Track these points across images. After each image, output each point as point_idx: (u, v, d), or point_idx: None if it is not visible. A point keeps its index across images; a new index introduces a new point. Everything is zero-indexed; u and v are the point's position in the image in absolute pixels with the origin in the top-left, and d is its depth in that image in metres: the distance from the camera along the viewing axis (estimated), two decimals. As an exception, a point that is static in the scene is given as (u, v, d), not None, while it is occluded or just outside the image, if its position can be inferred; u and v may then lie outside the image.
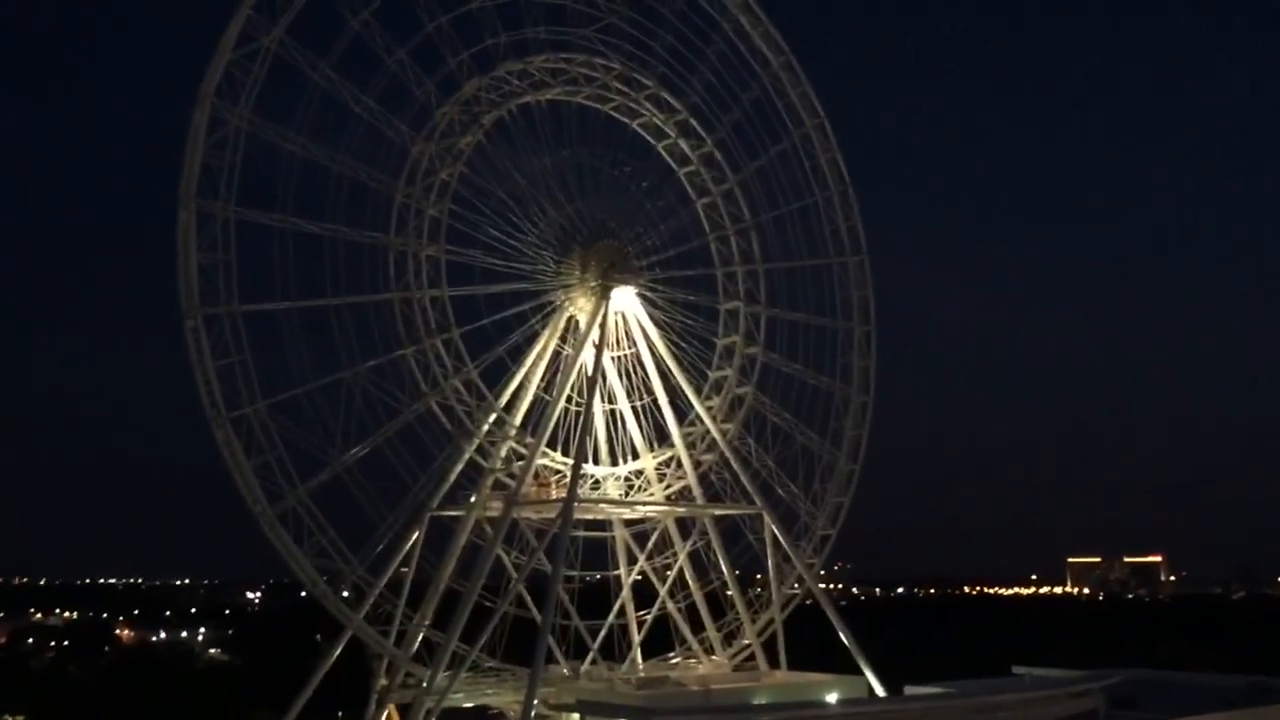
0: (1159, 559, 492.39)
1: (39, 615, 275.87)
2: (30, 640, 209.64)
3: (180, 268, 65.80)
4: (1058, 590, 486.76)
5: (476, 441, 75.38)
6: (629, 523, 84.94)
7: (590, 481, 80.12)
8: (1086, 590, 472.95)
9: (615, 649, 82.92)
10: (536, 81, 77.94)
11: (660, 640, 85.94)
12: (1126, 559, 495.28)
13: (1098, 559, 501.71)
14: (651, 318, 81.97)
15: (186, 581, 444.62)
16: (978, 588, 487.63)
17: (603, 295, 79.69)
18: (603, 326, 79.41)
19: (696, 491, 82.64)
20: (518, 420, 77.54)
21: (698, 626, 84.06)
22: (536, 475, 77.16)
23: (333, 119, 70.54)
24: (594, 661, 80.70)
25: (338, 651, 74.60)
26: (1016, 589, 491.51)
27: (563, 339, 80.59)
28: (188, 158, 65.80)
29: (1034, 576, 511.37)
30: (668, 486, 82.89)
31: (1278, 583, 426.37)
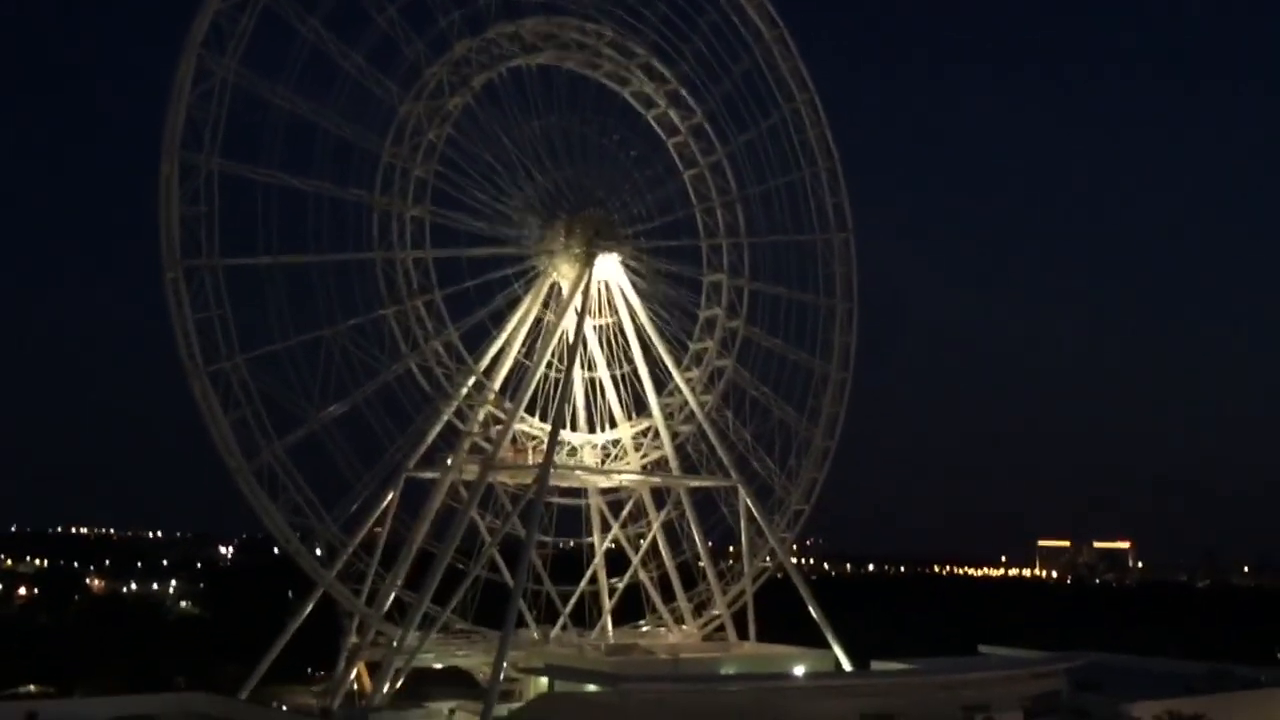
0: (1127, 545, 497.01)
1: (9, 562, 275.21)
2: (0, 587, 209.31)
3: (161, 219, 65.43)
4: (1026, 573, 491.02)
5: (455, 404, 75.43)
6: (604, 491, 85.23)
7: (567, 449, 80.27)
8: (1055, 574, 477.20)
9: (586, 616, 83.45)
10: (527, 45, 77.40)
11: (631, 609, 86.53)
12: (1095, 544, 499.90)
13: (1067, 543, 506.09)
14: (635, 287, 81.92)
15: (159, 534, 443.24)
16: (948, 567, 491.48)
17: (587, 262, 79.54)
18: (585, 294, 79.33)
19: (673, 462, 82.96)
20: (497, 385, 77.56)
21: (669, 596, 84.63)
22: (514, 440, 77.30)
23: (321, 75, 70.11)
24: (564, 627, 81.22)
25: (309, 608, 74.83)
26: (986, 570, 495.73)
27: (545, 305, 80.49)
28: (172, 108, 65.30)
29: (1003, 559, 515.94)
30: (644, 456, 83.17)
31: (1242, 572, 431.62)
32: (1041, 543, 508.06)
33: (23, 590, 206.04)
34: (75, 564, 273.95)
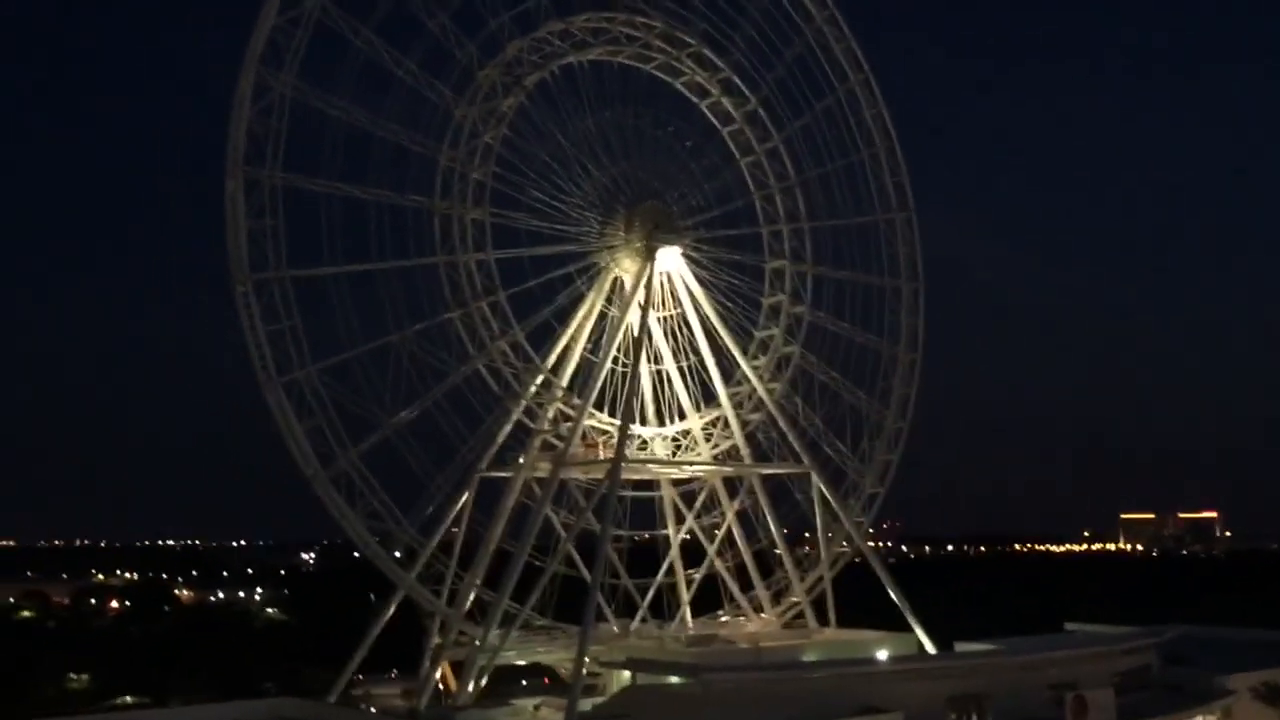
0: (1214, 515, 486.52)
1: (101, 576, 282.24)
2: (93, 601, 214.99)
3: (229, 234, 66.48)
4: (1111, 547, 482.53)
5: (524, 403, 75.81)
6: (676, 482, 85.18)
7: (638, 442, 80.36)
8: (1140, 547, 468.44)
9: (664, 608, 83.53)
10: (578, 41, 77.47)
11: (709, 599, 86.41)
12: (1180, 515, 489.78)
13: (1151, 515, 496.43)
14: (697, 278, 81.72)
15: (243, 543, 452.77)
16: (1029, 545, 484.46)
17: (648, 256, 79.48)
18: (648, 287, 79.27)
19: (744, 451, 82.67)
20: (564, 382, 77.81)
21: (746, 585, 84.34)
22: (584, 436, 77.46)
23: (376, 83, 70.73)
24: (644, 620, 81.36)
25: (391, 610, 75.74)
26: (1069, 546, 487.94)
27: (608, 300, 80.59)
28: (234, 125, 66.29)
29: (1086, 534, 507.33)
30: (715, 446, 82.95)
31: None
32: (1125, 515, 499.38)
33: (115, 603, 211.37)
34: (164, 575, 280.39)
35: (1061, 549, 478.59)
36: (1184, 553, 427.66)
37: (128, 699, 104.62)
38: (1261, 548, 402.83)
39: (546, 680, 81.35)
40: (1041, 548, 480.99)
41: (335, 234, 68.80)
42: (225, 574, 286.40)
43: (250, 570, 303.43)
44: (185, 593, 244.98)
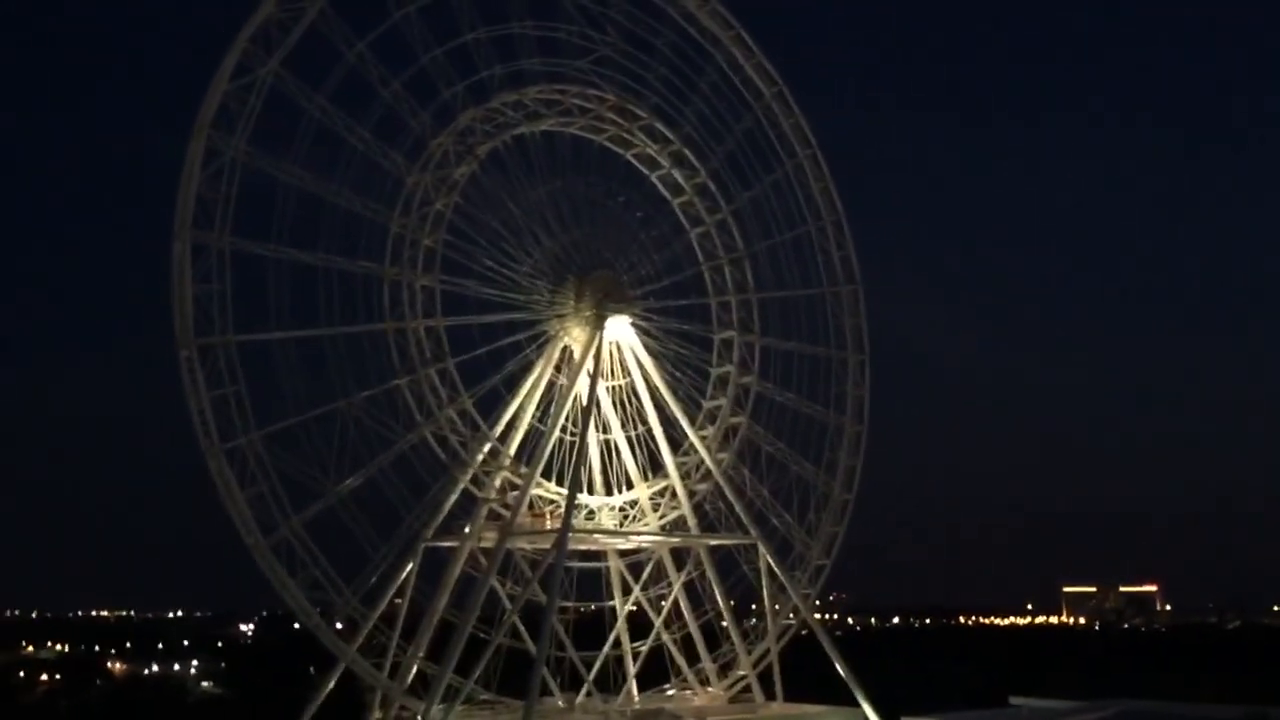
0: (1154, 588, 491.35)
1: (30, 648, 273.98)
2: (21, 674, 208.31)
3: (175, 299, 65.77)
4: (1053, 620, 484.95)
5: (471, 471, 75.18)
6: (624, 553, 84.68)
7: (585, 511, 79.87)
8: (1082, 620, 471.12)
9: (610, 680, 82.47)
10: (531, 112, 78.31)
11: (656, 671, 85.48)
12: (1121, 588, 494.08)
13: (1093, 588, 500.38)
14: (646, 347, 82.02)
15: (179, 614, 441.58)
16: (973, 617, 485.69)
17: (597, 325, 79.73)
18: (597, 356, 79.43)
19: (691, 521, 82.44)
20: (512, 450, 77.38)
21: (693, 657, 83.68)
22: (531, 505, 76.93)
23: (328, 150, 70.77)
24: (589, 693, 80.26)
25: (331, 684, 74.12)
26: (1012, 618, 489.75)
27: (557, 369, 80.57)
28: (183, 189, 65.92)
29: (1029, 606, 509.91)
30: (662, 516, 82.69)
31: (1273, 612, 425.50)
32: (1067, 588, 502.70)
33: (44, 676, 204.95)
34: (96, 648, 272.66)
35: (1005, 621, 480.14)
36: (1125, 625, 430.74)
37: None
38: (1200, 621, 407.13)
39: None
40: (986, 620, 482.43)
41: (283, 299, 68.36)
42: (160, 646, 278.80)
43: (186, 642, 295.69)
44: (118, 665, 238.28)
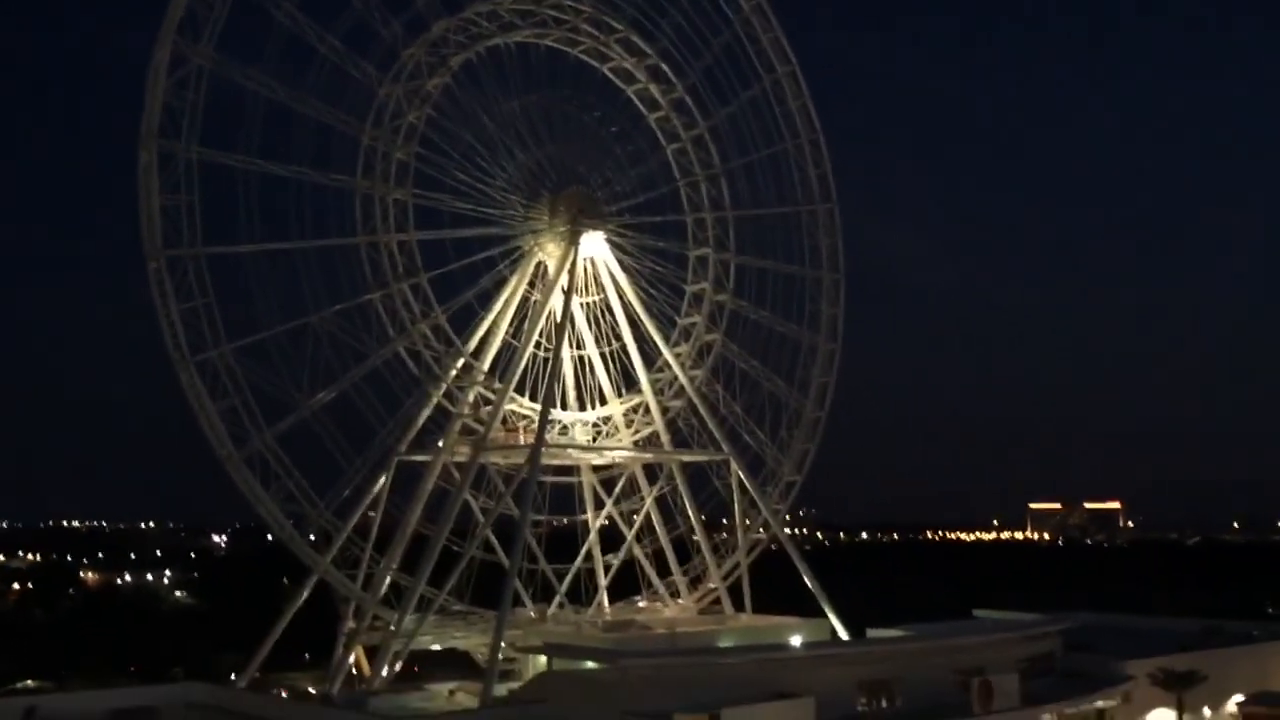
0: (1117, 505, 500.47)
1: (2, 558, 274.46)
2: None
3: (142, 209, 65.04)
4: (1019, 536, 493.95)
5: (444, 387, 75.26)
6: (596, 468, 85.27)
7: (558, 427, 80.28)
8: (1046, 536, 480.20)
9: (582, 593, 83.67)
10: (505, 23, 76.89)
11: (627, 584, 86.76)
12: (1086, 505, 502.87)
13: (1058, 505, 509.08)
14: (621, 264, 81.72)
15: (152, 525, 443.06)
16: (940, 533, 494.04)
17: (572, 241, 79.31)
18: (571, 272, 79.14)
19: (664, 437, 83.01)
20: (486, 365, 77.38)
21: (664, 571, 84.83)
22: (504, 420, 77.23)
23: (298, 59, 69.51)
24: (561, 605, 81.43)
25: (305, 595, 74.73)
26: (978, 534, 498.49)
27: (531, 284, 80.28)
28: (149, 96, 64.78)
29: (995, 522, 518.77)
30: (635, 432, 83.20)
31: (1232, 529, 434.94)
32: (1033, 505, 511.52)
33: (16, 586, 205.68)
34: (69, 558, 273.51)
35: (971, 537, 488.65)
36: (1089, 542, 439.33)
37: (29, 683, 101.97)
38: (1162, 537, 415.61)
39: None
40: (952, 536, 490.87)
41: (253, 211, 67.72)
42: (133, 556, 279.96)
43: (160, 553, 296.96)
44: (91, 575, 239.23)
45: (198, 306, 65.58)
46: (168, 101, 64.80)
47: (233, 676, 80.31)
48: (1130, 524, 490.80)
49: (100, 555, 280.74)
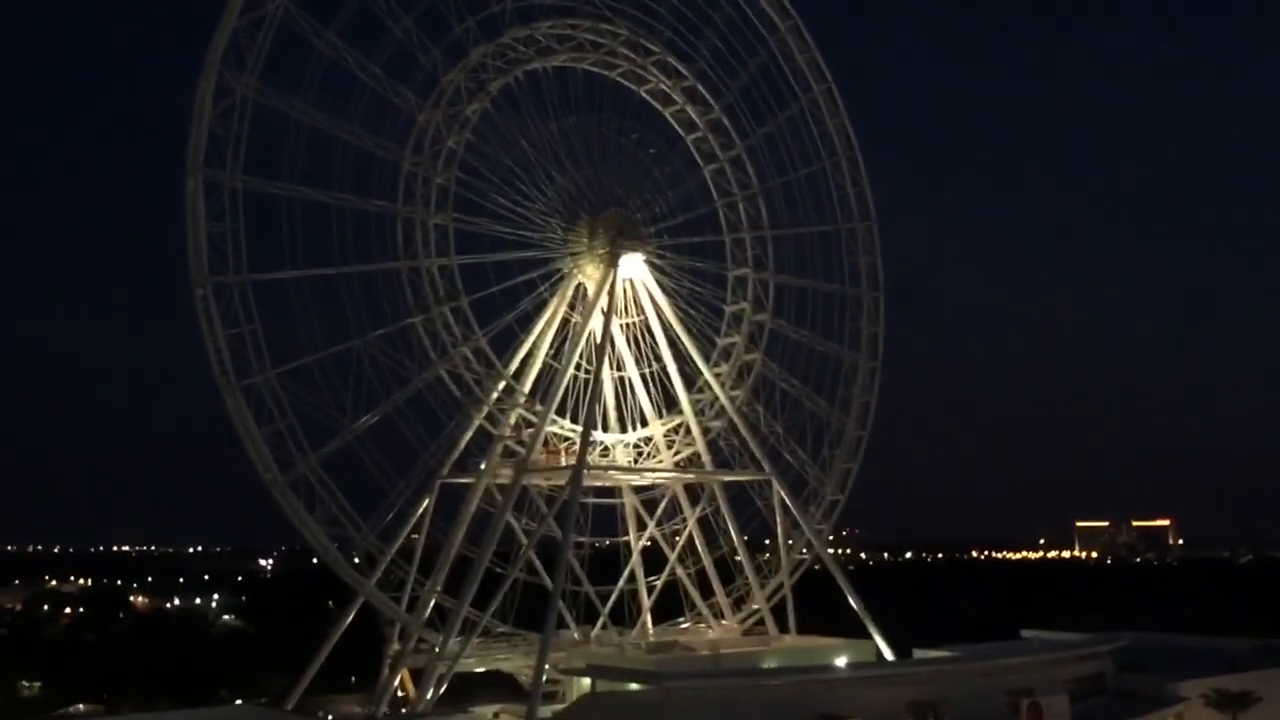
0: (1167, 523, 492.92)
1: (54, 582, 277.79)
2: (45, 607, 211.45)
3: (189, 237, 65.95)
4: (1066, 555, 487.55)
5: (486, 409, 75.58)
6: (638, 489, 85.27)
7: (599, 448, 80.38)
8: (1094, 554, 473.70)
9: (625, 614, 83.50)
10: (543, 48, 77.53)
11: (670, 606, 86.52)
12: (1134, 523, 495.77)
13: (1105, 523, 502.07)
14: (660, 285, 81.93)
15: (200, 549, 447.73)
16: (986, 552, 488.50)
17: (611, 262, 79.60)
18: (611, 294, 79.37)
19: (705, 458, 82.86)
20: (527, 388, 77.70)
21: (707, 592, 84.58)
22: (546, 442, 77.41)
23: (339, 87, 70.41)
24: (604, 627, 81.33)
25: (350, 617, 75.27)
26: (1025, 553, 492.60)
27: (571, 306, 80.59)
28: (194, 126, 65.81)
29: (1042, 541, 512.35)
30: (676, 453, 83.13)
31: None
32: (1080, 523, 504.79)
33: (68, 610, 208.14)
34: (119, 582, 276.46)
35: (1018, 556, 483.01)
36: (1137, 560, 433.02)
37: (80, 707, 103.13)
38: (1213, 555, 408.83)
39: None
40: (998, 555, 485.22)
41: (297, 238, 68.48)
42: (181, 580, 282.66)
43: (207, 576, 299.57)
44: (140, 599, 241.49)
45: (243, 333, 66.36)
46: (213, 131, 65.82)
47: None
48: (1180, 541, 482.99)
49: (150, 579, 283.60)
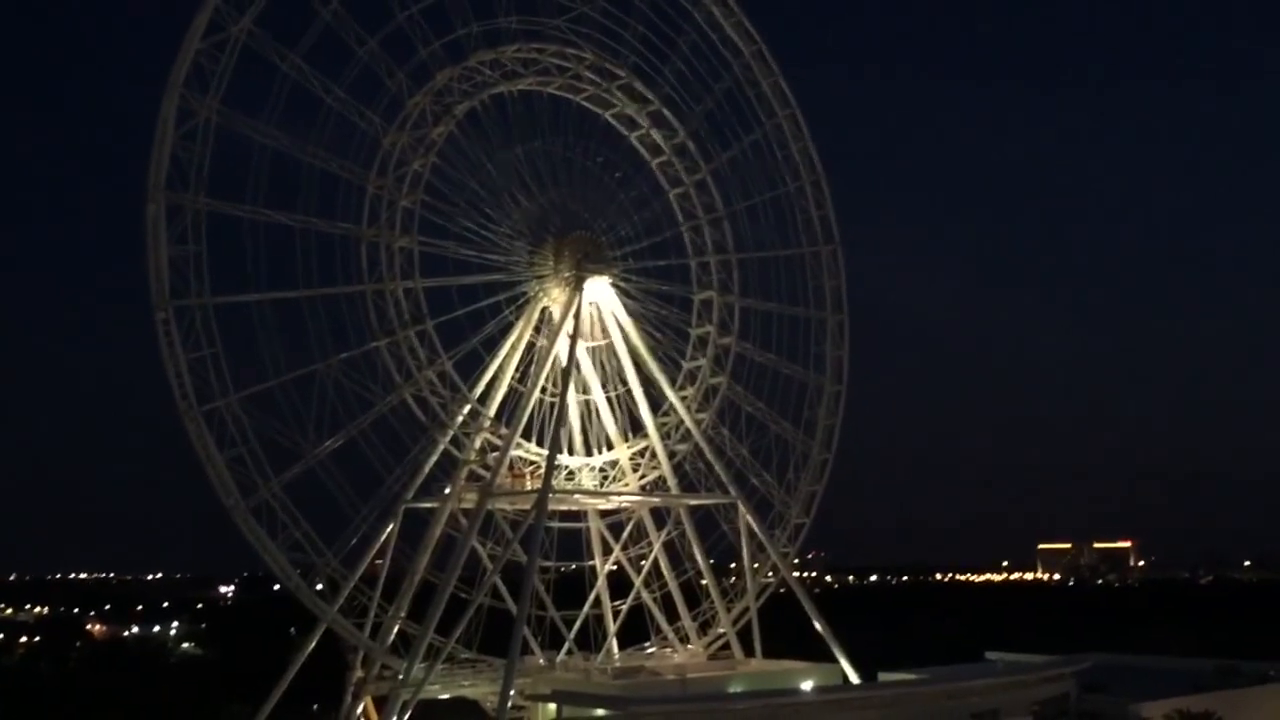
0: (1128, 544, 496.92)
1: (9, 611, 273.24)
2: (1, 636, 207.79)
3: (150, 260, 65.35)
4: (1028, 576, 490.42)
5: (451, 433, 75.28)
6: (604, 513, 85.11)
7: (565, 472, 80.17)
8: (1057, 576, 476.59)
9: (591, 639, 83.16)
10: (508, 71, 77.72)
11: (636, 630, 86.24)
12: (1096, 544, 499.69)
13: (1068, 545, 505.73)
14: (625, 308, 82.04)
15: (159, 576, 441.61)
16: (950, 575, 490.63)
17: (576, 286, 79.67)
18: (576, 317, 79.38)
19: (671, 481, 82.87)
20: (492, 411, 77.52)
21: (673, 616, 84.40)
22: (511, 466, 77.19)
23: (304, 110, 70.23)
24: (570, 652, 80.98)
25: (313, 644, 74.48)
26: (988, 575, 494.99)
27: (536, 330, 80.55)
28: (156, 148, 65.35)
29: (1005, 563, 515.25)
30: (642, 477, 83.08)
31: (1245, 567, 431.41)
32: (1042, 545, 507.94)
33: (24, 639, 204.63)
34: (75, 610, 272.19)
35: (981, 578, 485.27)
36: (1099, 582, 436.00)
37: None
38: (1174, 576, 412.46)
39: None
40: (962, 577, 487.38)
41: (260, 261, 68.15)
42: (140, 608, 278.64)
43: (166, 604, 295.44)
44: (97, 628, 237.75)
45: (205, 356, 65.78)
46: (175, 153, 65.39)
47: None
48: (1141, 563, 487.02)
49: (107, 607, 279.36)
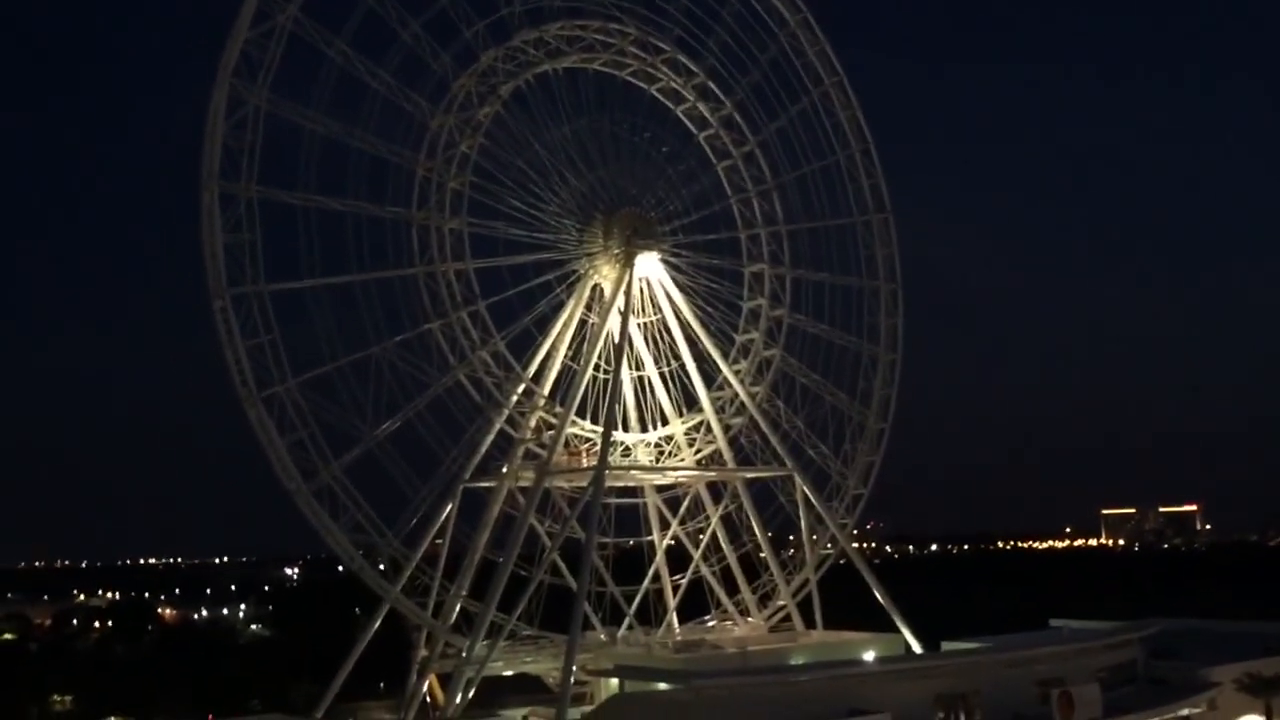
0: (1194, 508, 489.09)
1: (82, 597, 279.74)
2: (75, 622, 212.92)
3: (205, 249, 66.23)
4: (1092, 543, 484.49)
5: (506, 412, 75.70)
6: (660, 488, 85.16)
7: (620, 448, 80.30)
8: (1121, 541, 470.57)
9: (651, 614, 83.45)
10: (553, 50, 77.52)
11: (696, 604, 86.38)
12: (1161, 509, 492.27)
13: (1132, 510, 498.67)
14: (676, 283, 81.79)
15: (225, 559, 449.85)
16: (1011, 542, 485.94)
17: (627, 262, 79.52)
18: (628, 293, 79.29)
19: (727, 455, 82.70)
20: (546, 390, 77.74)
21: (733, 589, 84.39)
22: (567, 444, 77.42)
23: (351, 95, 70.63)
24: (630, 627, 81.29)
25: (377, 624, 75.48)
26: (1051, 542, 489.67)
27: (588, 307, 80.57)
28: (208, 138, 66.10)
29: (1068, 529, 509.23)
30: (698, 451, 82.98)
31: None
32: (1105, 511, 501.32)
33: (97, 624, 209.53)
34: (146, 595, 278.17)
35: (1044, 545, 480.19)
36: (1165, 546, 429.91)
37: (112, 719, 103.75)
38: (1241, 539, 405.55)
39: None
40: (1024, 544, 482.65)
41: (313, 247, 68.80)
42: (208, 591, 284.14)
43: (233, 587, 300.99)
44: (168, 611, 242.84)
45: (262, 343, 66.62)
46: (227, 143, 66.10)
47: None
48: (1208, 526, 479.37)
49: (177, 591, 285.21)
